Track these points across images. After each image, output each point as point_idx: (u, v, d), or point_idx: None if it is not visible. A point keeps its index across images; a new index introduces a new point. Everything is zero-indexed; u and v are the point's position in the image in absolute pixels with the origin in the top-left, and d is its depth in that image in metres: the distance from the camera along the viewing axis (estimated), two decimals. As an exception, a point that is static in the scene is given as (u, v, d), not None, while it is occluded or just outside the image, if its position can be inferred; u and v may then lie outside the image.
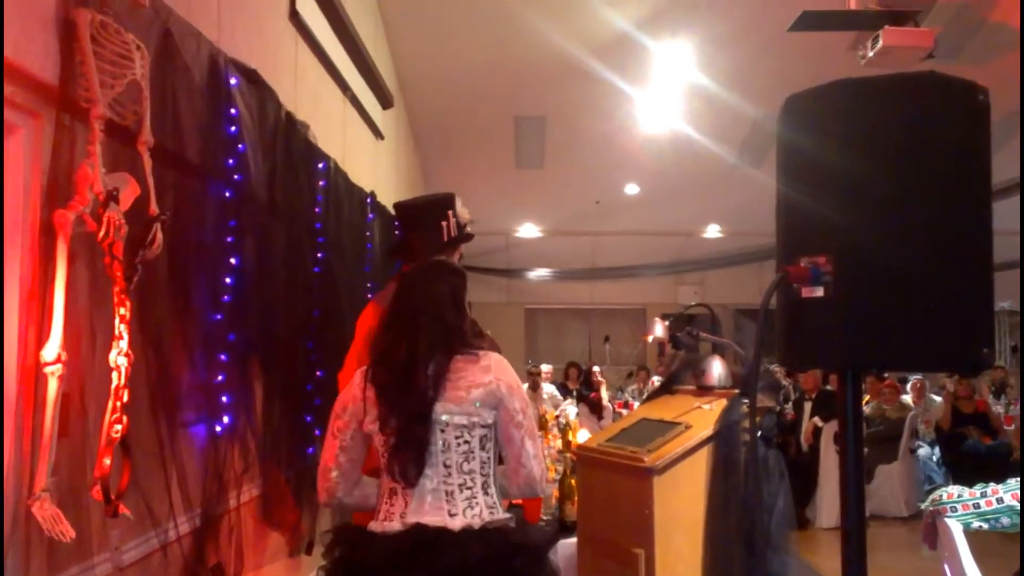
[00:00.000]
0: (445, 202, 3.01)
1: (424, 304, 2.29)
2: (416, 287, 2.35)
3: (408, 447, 2.15)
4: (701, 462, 2.73)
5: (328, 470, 2.27)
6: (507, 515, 2.23)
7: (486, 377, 2.21)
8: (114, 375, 2.17)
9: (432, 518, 2.13)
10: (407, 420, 2.16)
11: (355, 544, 2.21)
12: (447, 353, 2.23)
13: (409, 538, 2.11)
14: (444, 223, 2.95)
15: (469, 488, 2.17)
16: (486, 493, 2.20)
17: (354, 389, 2.28)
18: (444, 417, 2.17)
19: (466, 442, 2.18)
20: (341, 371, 2.86)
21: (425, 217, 2.98)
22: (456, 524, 2.12)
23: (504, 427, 2.23)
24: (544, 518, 3.63)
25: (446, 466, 2.17)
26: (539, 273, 13.94)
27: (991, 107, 1.51)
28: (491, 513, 2.18)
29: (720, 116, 8.74)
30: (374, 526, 2.20)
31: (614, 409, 10.39)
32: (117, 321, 2.18)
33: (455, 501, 2.16)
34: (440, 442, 2.17)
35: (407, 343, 2.23)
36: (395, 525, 2.15)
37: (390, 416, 2.18)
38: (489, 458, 2.22)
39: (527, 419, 2.25)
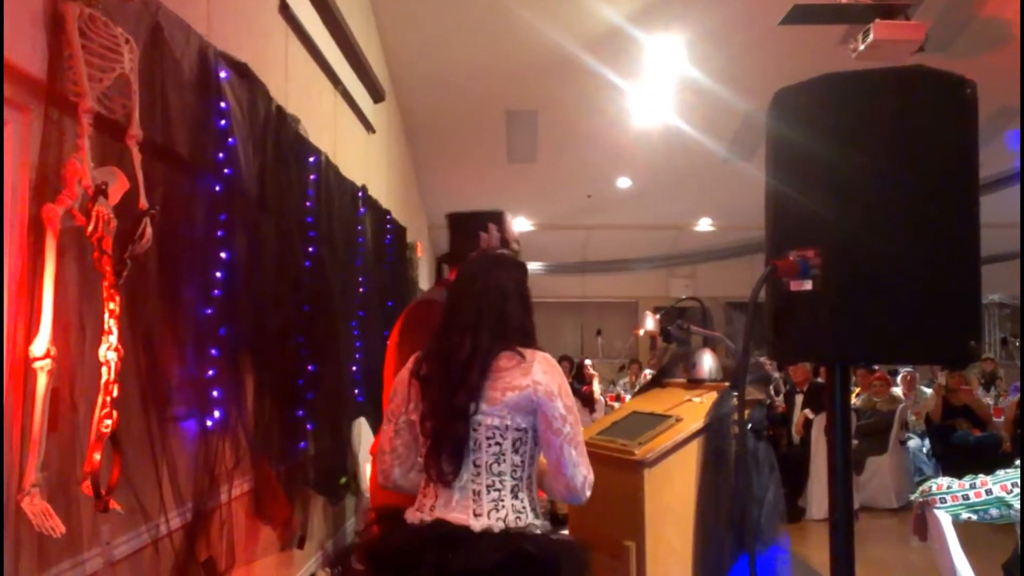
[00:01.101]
0: (489, 216, 3.23)
1: (487, 299, 2.22)
2: (477, 280, 2.28)
3: (445, 445, 2.11)
4: (692, 455, 2.74)
5: (383, 453, 2.26)
6: (537, 522, 2.17)
7: (524, 380, 2.13)
8: (104, 370, 2.16)
9: (457, 515, 2.11)
10: (448, 417, 2.12)
11: (386, 527, 2.23)
12: (497, 345, 2.16)
13: (428, 532, 2.11)
14: (483, 232, 3.11)
15: (498, 490, 2.13)
16: (515, 497, 2.14)
17: (404, 373, 2.25)
18: (478, 417, 2.12)
19: (497, 444, 2.13)
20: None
21: (467, 226, 3.16)
22: (478, 525, 2.09)
23: (543, 433, 2.15)
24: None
25: (476, 465, 2.13)
26: (531, 267, 13.85)
27: (980, 101, 1.51)
28: (517, 519, 2.12)
29: (712, 110, 8.75)
30: (409, 514, 2.19)
31: (606, 402, 10.42)
32: (107, 316, 2.18)
33: (481, 501, 2.12)
34: (472, 441, 2.13)
35: (471, 341, 2.16)
36: (424, 517, 2.14)
37: (431, 411, 2.15)
38: (523, 462, 2.15)
39: (568, 425, 2.14)
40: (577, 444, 2.16)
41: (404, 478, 2.27)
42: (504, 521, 2.10)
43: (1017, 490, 2.82)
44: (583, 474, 2.17)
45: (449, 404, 2.12)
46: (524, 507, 2.15)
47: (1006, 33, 7.09)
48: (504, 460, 2.12)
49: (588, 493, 2.21)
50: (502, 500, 2.12)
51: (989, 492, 2.86)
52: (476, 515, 2.10)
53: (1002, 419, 8.68)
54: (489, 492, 2.12)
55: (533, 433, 2.15)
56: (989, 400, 9.57)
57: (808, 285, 1.51)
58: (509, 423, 2.12)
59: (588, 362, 11.65)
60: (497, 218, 3.18)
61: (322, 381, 4.08)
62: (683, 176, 10.84)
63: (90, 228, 2.10)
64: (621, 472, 2.74)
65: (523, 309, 2.28)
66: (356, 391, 5.03)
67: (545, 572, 2.07)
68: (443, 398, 2.13)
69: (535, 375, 2.13)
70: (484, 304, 2.22)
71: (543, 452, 2.19)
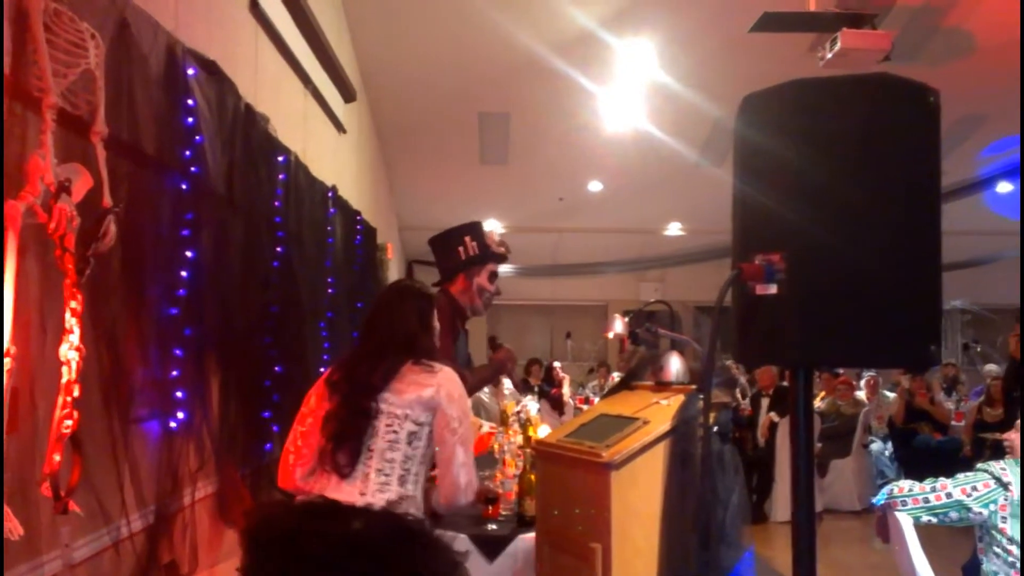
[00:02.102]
0: (464, 229, 3.40)
1: (392, 332, 2.46)
2: (382, 310, 2.56)
3: (344, 440, 2.29)
4: (659, 457, 2.74)
5: (287, 453, 2.41)
6: (419, 516, 2.33)
7: (430, 380, 2.36)
8: (64, 369, 2.13)
9: (345, 496, 2.26)
10: (349, 415, 2.30)
11: (270, 511, 2.43)
12: (403, 358, 2.38)
13: (309, 507, 2.27)
14: (460, 248, 3.28)
15: (387, 475, 2.29)
16: (402, 485, 2.29)
17: (319, 380, 2.46)
18: (380, 406, 2.31)
19: (394, 432, 2.30)
20: None
21: (443, 244, 3.32)
22: (362, 502, 2.24)
23: (439, 431, 2.35)
24: (504, 513, 3.63)
25: (369, 450, 2.30)
26: (502, 269, 13.90)
27: (944, 110, 1.54)
28: (400, 501, 2.28)
29: (682, 115, 8.81)
30: (299, 499, 2.34)
31: (575, 405, 10.43)
32: (68, 314, 2.14)
33: (368, 483, 2.28)
34: (369, 427, 2.30)
35: (378, 353, 2.41)
36: (312, 499, 2.29)
37: (335, 411, 2.33)
38: (414, 456, 2.32)
39: (463, 427, 2.37)
40: (467, 447, 2.39)
41: (304, 480, 2.39)
42: (387, 501, 2.26)
43: (977, 493, 2.87)
44: (467, 475, 2.38)
45: (352, 402, 2.31)
46: (409, 495, 2.30)
47: (970, 43, 7.22)
48: (397, 448, 2.30)
49: (470, 497, 2.42)
50: (389, 484, 2.28)
51: (949, 496, 2.92)
52: (361, 494, 2.26)
53: (963, 423, 8.82)
54: (378, 476, 2.28)
55: (428, 433, 2.34)
56: (951, 405, 9.72)
57: (773, 289, 1.52)
58: (409, 413, 2.31)
59: (557, 364, 11.67)
60: (467, 229, 3.30)
61: (289, 382, 4.04)
62: (654, 180, 10.91)
63: (52, 225, 2.07)
64: (588, 474, 2.74)
65: (426, 334, 2.53)
66: (324, 392, 4.99)
67: (423, 550, 2.20)
68: (347, 400, 2.32)
69: (440, 380, 2.37)
70: (392, 330, 2.47)
71: (437, 449, 2.36)
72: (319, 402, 2.42)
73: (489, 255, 3.50)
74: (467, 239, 3.38)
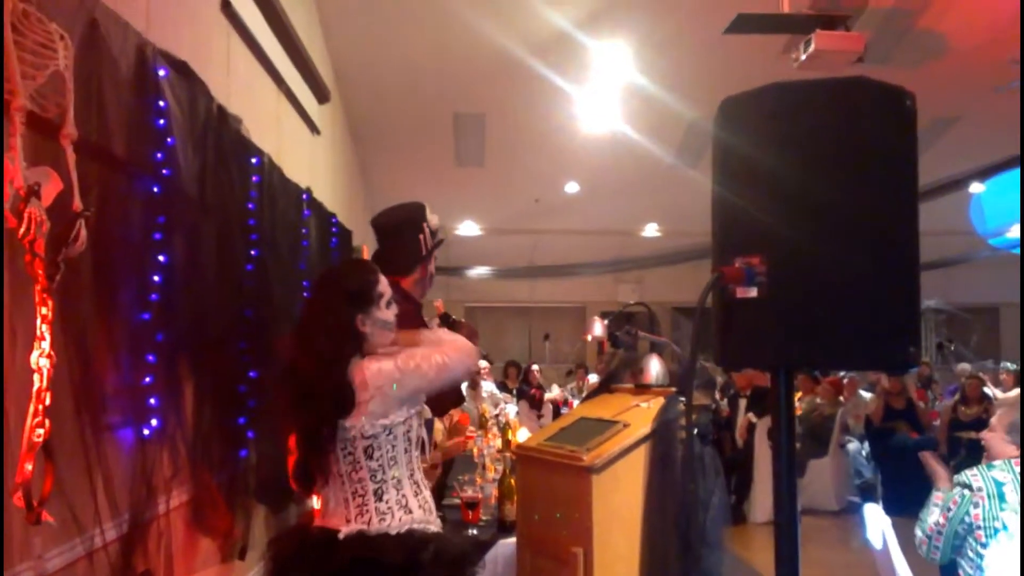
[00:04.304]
0: (417, 214, 3.14)
1: (320, 312, 2.37)
2: (309, 304, 2.49)
3: (306, 461, 2.33)
4: (639, 460, 2.74)
5: (290, 452, 2.43)
6: (411, 516, 2.33)
7: (364, 395, 2.27)
8: (35, 377, 2.09)
9: (335, 521, 2.31)
10: (309, 450, 2.32)
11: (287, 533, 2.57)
12: (345, 364, 2.30)
13: (304, 536, 2.37)
14: (421, 236, 3.09)
15: (361, 495, 2.30)
16: (379, 499, 2.30)
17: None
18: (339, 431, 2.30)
19: (350, 454, 2.30)
20: None
21: (400, 231, 3.11)
22: (345, 530, 2.28)
23: (390, 404, 2.32)
24: (484, 518, 3.62)
25: (339, 475, 2.32)
26: (479, 271, 13.93)
27: (918, 111, 1.54)
28: (381, 520, 2.29)
29: (658, 116, 8.84)
30: (316, 523, 2.41)
31: (556, 407, 10.43)
32: (39, 321, 2.10)
33: (349, 507, 2.31)
34: (325, 459, 2.33)
35: (311, 355, 2.32)
36: (318, 522, 2.37)
37: (297, 441, 2.34)
38: (381, 466, 2.30)
39: (412, 366, 2.33)
40: (431, 360, 2.31)
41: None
42: (368, 524, 2.28)
43: (951, 513, 2.90)
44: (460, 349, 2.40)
45: (310, 437, 2.30)
46: (389, 508, 2.30)
47: (942, 45, 7.30)
48: (360, 467, 2.30)
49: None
50: (366, 505, 2.29)
51: (939, 526, 2.94)
52: (347, 521, 2.29)
53: (938, 422, 8.91)
54: (354, 498, 2.31)
55: (387, 434, 2.30)
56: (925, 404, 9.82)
57: (753, 292, 1.52)
58: (355, 434, 2.27)
59: (536, 367, 11.67)
60: (422, 213, 3.09)
61: (264, 387, 4.00)
62: (630, 182, 10.94)
63: (22, 230, 2.03)
64: (569, 478, 2.73)
65: (353, 317, 2.36)
66: (300, 397, 4.95)
67: (389, 573, 2.21)
68: (304, 432, 2.32)
69: (371, 385, 2.26)
70: (316, 320, 2.36)
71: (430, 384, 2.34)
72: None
73: (438, 241, 3.25)
74: (424, 226, 3.18)
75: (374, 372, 2.27)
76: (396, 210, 3.29)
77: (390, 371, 2.27)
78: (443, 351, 2.34)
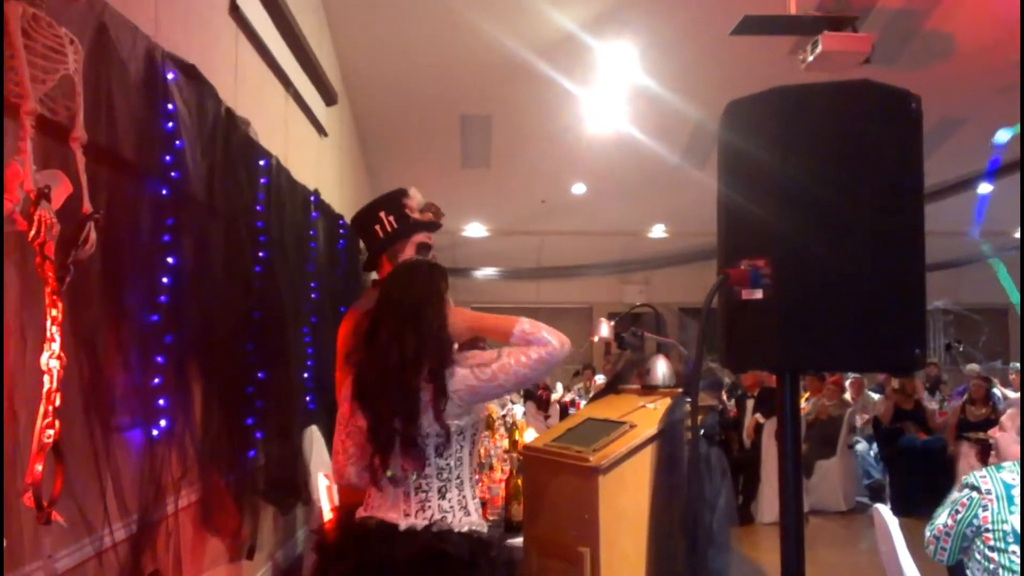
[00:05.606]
0: (378, 203, 2.99)
1: (407, 313, 2.27)
2: (394, 293, 2.34)
3: (382, 459, 2.23)
4: (646, 461, 2.75)
5: (337, 453, 2.37)
6: (470, 518, 2.29)
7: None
8: (46, 378, 2.10)
9: (391, 515, 2.26)
10: (386, 441, 2.22)
11: (334, 524, 2.46)
12: (420, 370, 2.23)
13: (359, 528, 2.29)
14: (376, 225, 2.93)
15: (424, 491, 2.26)
16: (442, 498, 2.26)
17: (345, 384, 2.36)
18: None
19: (420, 450, 2.24)
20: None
21: (362, 227, 2.99)
22: (404, 524, 2.23)
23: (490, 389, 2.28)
24: (490, 518, 3.62)
25: (404, 469, 2.25)
26: (486, 272, 13.93)
27: (923, 112, 1.54)
28: (443, 518, 2.25)
29: (664, 117, 8.83)
30: (358, 511, 2.35)
31: (563, 407, 10.42)
32: (49, 323, 2.11)
33: (410, 502, 2.26)
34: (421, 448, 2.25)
35: (399, 358, 2.22)
36: (365, 514, 2.31)
37: (372, 431, 2.24)
38: (449, 465, 2.27)
39: (489, 371, 2.28)
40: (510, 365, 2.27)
41: (358, 476, 2.36)
42: (430, 520, 2.24)
43: (959, 515, 2.89)
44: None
45: (386, 429, 2.22)
46: (451, 507, 2.27)
47: (948, 46, 7.28)
48: (429, 464, 2.26)
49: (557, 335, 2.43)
50: (429, 501, 2.26)
51: (947, 528, 2.93)
52: (406, 515, 2.25)
53: (946, 423, 8.86)
54: (416, 493, 2.26)
55: (458, 435, 2.27)
56: (934, 405, 9.78)
57: (759, 294, 1.53)
58: (429, 431, 2.23)
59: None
60: (381, 203, 2.87)
61: (272, 388, 4.02)
62: (637, 183, 10.92)
63: (32, 233, 2.04)
64: (576, 478, 2.74)
65: (437, 316, 2.31)
66: (308, 398, 4.97)
67: (456, 567, 2.17)
68: (381, 423, 2.23)
69: (453, 386, 2.22)
70: (405, 317, 2.27)
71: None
72: (352, 412, 2.33)
73: (410, 226, 2.96)
74: (382, 214, 2.99)
75: (460, 376, 2.26)
76: (362, 208, 3.18)
77: (467, 374, 2.26)
78: (527, 354, 2.30)
